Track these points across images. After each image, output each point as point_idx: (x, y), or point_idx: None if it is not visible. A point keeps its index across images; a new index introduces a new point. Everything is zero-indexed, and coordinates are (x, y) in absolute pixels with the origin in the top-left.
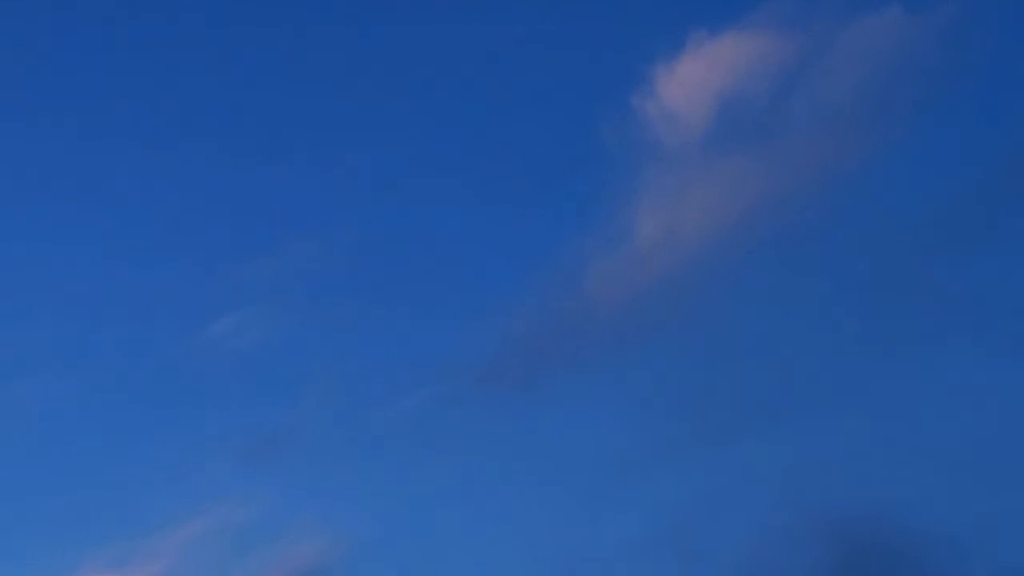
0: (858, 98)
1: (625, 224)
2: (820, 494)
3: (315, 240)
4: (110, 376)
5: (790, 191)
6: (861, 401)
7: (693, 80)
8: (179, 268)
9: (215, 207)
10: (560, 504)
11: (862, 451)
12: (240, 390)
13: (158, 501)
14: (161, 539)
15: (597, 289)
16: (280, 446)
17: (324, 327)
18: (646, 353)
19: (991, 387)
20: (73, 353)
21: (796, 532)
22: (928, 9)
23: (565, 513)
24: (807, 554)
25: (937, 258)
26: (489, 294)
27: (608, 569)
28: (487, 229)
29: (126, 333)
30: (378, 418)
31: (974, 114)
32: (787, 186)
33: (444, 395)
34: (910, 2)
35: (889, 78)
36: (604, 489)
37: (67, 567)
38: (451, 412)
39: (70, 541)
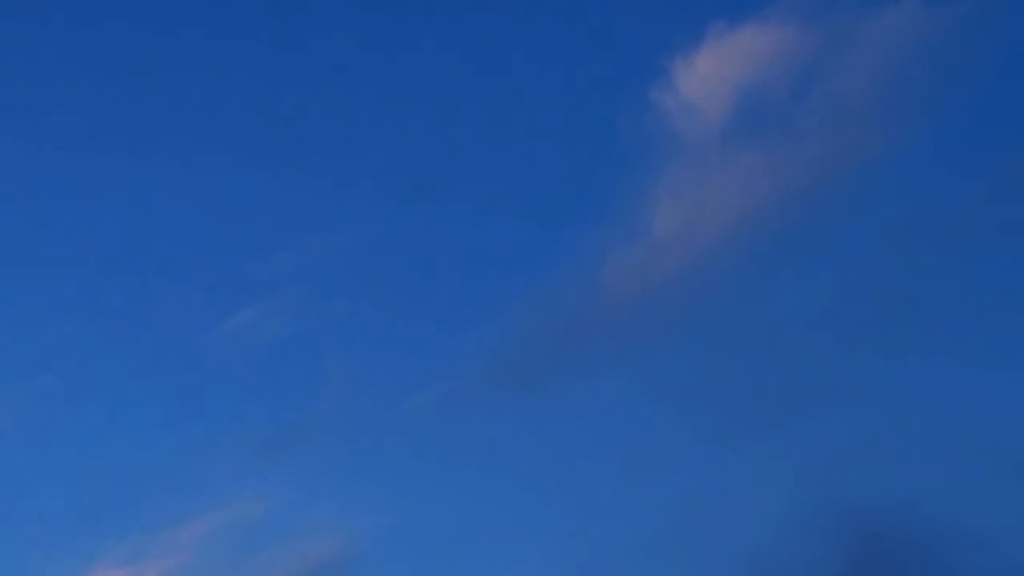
0: (877, 91)
1: (642, 218)
2: (834, 489)
3: (331, 236)
4: (125, 371)
5: (809, 185)
6: (875, 396)
7: (712, 73)
8: (196, 263)
9: (233, 203)
10: (572, 501)
11: (876, 446)
12: (255, 386)
13: (172, 497)
14: (175, 535)
15: (613, 285)
16: (295, 442)
17: (339, 323)
18: (661, 349)
19: (1005, 383)
20: (89, 348)
21: (810, 527)
22: (946, 2)
23: (577, 510)
24: (820, 548)
25: (955, 250)
26: (504, 291)
27: (620, 566)
28: (503, 225)
29: (141, 327)
30: (393, 415)
31: (995, 108)
32: (806, 179)
33: (459, 392)
34: None
35: (908, 71)
36: (617, 485)
37: (82, 563)
38: (465, 409)
39: (84, 537)
